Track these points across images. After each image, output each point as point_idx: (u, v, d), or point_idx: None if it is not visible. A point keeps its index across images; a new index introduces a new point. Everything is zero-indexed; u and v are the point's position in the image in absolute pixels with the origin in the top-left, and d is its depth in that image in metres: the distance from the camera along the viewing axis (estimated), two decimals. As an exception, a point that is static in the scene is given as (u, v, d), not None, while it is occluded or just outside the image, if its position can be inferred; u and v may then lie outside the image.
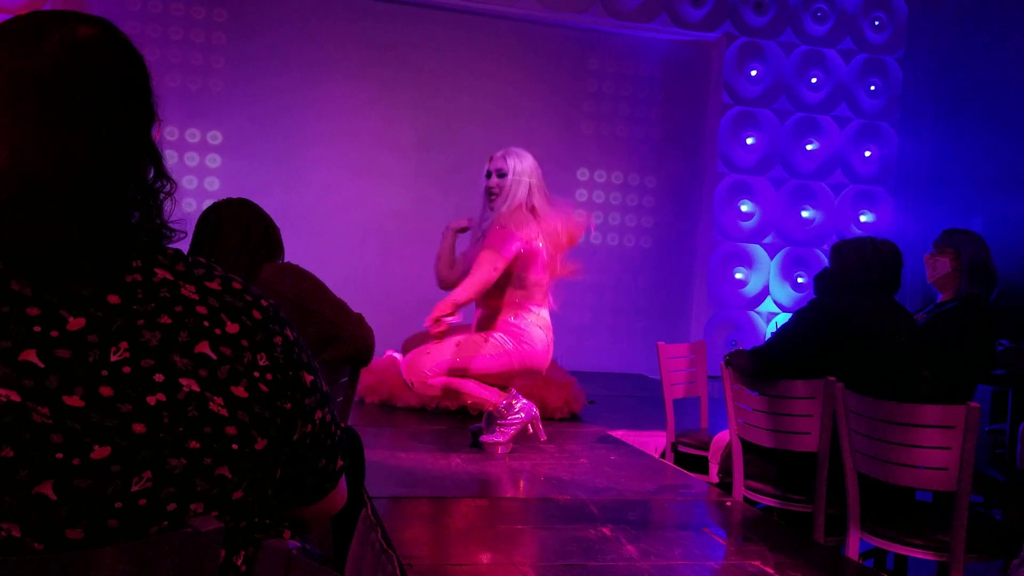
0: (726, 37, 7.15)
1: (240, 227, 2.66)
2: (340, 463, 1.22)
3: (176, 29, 6.43)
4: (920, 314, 3.99)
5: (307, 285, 2.73)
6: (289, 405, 1.10)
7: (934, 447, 2.64)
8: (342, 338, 2.72)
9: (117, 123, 1.04)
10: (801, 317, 3.33)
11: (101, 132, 1.02)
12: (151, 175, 1.07)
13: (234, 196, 2.82)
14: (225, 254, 2.60)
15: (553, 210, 4.08)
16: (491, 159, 4.10)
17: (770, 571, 2.60)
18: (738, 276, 7.22)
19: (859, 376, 3.05)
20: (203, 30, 6.50)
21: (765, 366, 3.28)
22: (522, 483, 3.55)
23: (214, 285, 1.09)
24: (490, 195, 4.06)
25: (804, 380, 3.13)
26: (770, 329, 7.09)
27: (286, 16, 6.65)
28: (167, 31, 6.39)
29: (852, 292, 3.28)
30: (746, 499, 3.35)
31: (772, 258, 7.26)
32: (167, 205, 1.08)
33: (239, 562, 1.08)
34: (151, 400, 0.99)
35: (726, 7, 7.11)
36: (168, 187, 1.08)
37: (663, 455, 4.31)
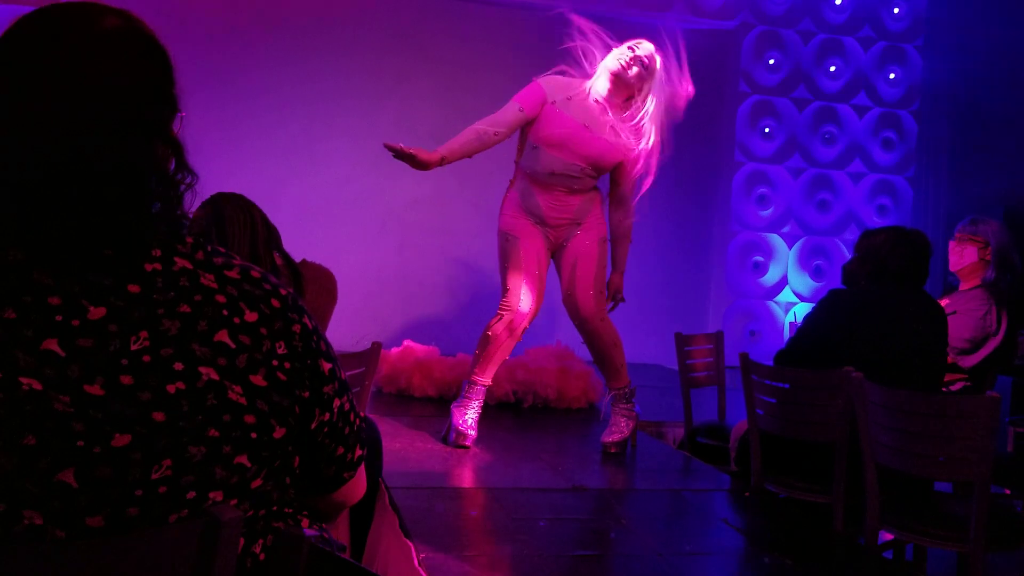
0: (743, 26, 7.10)
1: (252, 226, 2.64)
2: (359, 452, 1.22)
3: (195, 20, 6.44)
4: (943, 299, 3.96)
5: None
6: (307, 394, 1.10)
7: (953, 437, 2.62)
8: None
9: (139, 115, 1.04)
10: (817, 311, 3.32)
11: (123, 123, 1.02)
12: (172, 167, 1.08)
13: (245, 190, 2.79)
14: (236, 250, 2.59)
15: None
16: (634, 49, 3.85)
17: (789, 562, 2.59)
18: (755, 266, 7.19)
19: (879, 366, 3.04)
20: (222, 20, 6.52)
21: (788, 358, 3.28)
22: (539, 473, 3.56)
23: (233, 274, 1.09)
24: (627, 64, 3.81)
25: (823, 370, 3.11)
26: (788, 319, 7.06)
27: (304, 6, 6.65)
28: (185, 21, 6.41)
29: (876, 282, 3.26)
30: (765, 490, 3.34)
31: (790, 248, 7.22)
32: (188, 197, 1.09)
33: (258, 550, 1.08)
34: (171, 389, 0.99)
35: (744, -5, 7.06)
36: (189, 179, 1.09)
37: (681, 445, 4.30)
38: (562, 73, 3.96)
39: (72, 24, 1.03)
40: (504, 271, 3.97)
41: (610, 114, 3.86)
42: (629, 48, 3.84)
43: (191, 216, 2.45)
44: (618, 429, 3.95)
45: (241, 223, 2.59)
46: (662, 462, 3.94)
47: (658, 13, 7.03)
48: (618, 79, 3.82)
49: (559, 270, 4.05)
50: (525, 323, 3.95)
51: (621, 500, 3.16)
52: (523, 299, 3.90)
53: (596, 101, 3.86)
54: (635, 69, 3.81)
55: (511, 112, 3.84)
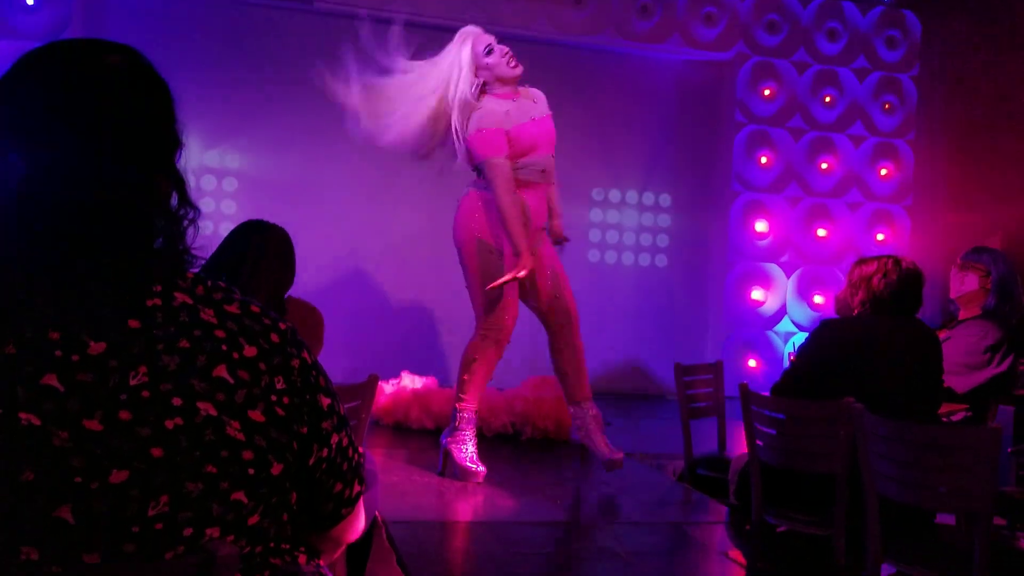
0: (739, 57, 7.16)
1: (287, 265, 2.66)
2: (357, 488, 1.21)
3: (196, 54, 6.48)
4: (940, 331, 3.96)
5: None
6: (305, 429, 1.10)
7: (954, 468, 2.61)
8: None
9: (143, 150, 1.04)
10: (810, 342, 3.31)
11: (127, 159, 1.03)
12: (175, 201, 1.08)
13: (253, 219, 2.80)
14: (264, 285, 2.58)
15: None
16: (478, 36, 3.99)
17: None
18: (755, 295, 7.19)
19: (873, 395, 3.03)
20: (222, 55, 6.56)
21: (786, 393, 3.27)
22: (538, 506, 3.53)
23: (233, 308, 1.09)
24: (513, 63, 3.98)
25: (822, 401, 3.10)
26: (787, 349, 7.05)
27: (303, 40, 6.69)
28: (186, 56, 6.45)
29: (870, 311, 3.26)
30: (765, 522, 3.32)
31: (789, 277, 7.23)
32: (190, 231, 1.09)
33: (255, 587, 1.07)
34: (169, 424, 0.99)
35: (739, 27, 7.12)
36: (192, 214, 1.09)
37: (681, 477, 4.27)
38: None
39: (76, 61, 1.04)
40: (485, 286, 3.83)
41: (522, 98, 4.01)
42: (492, 48, 3.96)
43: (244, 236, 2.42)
44: (608, 444, 3.94)
45: (278, 265, 2.61)
46: (662, 494, 3.91)
47: (655, 45, 7.09)
48: (517, 76, 3.97)
49: (537, 279, 3.98)
50: (508, 339, 3.95)
51: (621, 533, 3.14)
52: (508, 316, 3.88)
53: (513, 98, 3.98)
54: (511, 59, 3.96)
55: (504, 167, 3.83)
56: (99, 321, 1.00)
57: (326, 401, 1.13)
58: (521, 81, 4.03)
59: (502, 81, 3.95)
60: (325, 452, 1.13)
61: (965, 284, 3.95)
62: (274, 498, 1.07)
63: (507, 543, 2.98)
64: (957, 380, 3.76)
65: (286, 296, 2.76)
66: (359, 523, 1.26)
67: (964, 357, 3.77)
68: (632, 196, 7.40)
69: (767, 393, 3.38)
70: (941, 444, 2.63)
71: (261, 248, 2.61)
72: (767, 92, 7.19)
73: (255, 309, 1.11)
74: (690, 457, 4.13)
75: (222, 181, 6.53)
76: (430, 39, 6.80)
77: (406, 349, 6.59)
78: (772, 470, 3.28)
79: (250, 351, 1.06)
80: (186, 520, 0.99)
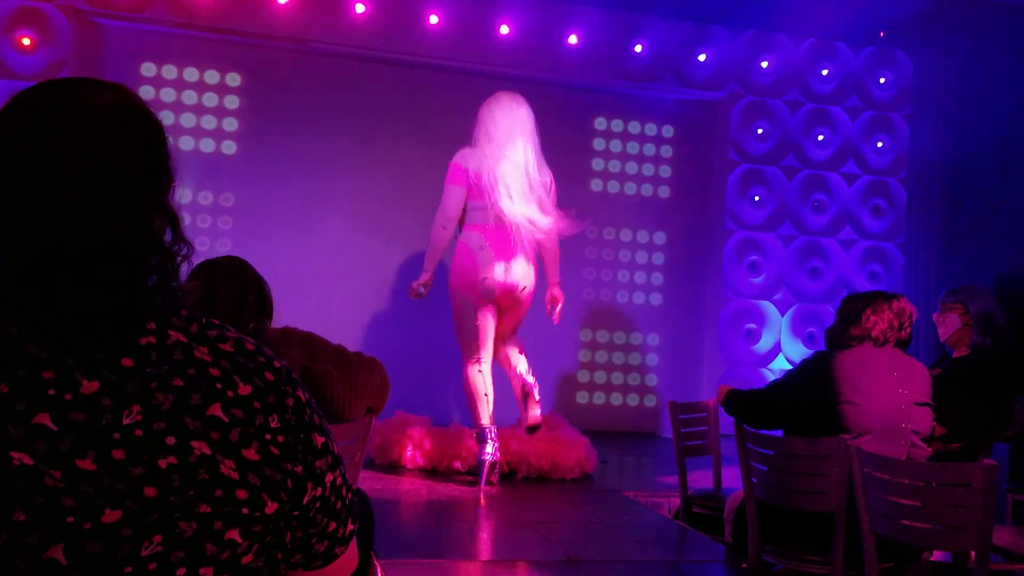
0: (731, 96, 7.22)
1: (235, 295, 2.57)
2: (351, 527, 1.20)
3: (190, 93, 6.53)
4: (934, 369, 3.96)
5: (316, 348, 2.72)
6: (300, 468, 1.09)
7: (950, 506, 2.60)
8: (354, 394, 2.68)
9: (136, 188, 1.05)
10: (803, 367, 3.32)
11: (120, 197, 1.03)
12: (168, 238, 1.08)
13: (240, 257, 2.73)
14: (220, 318, 2.52)
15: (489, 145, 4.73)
16: None
17: (788, 635, 2.55)
18: (749, 333, 7.19)
19: (864, 430, 3.02)
20: (217, 94, 6.61)
21: (758, 407, 3.26)
22: (534, 546, 3.51)
23: (227, 347, 1.09)
24: None
25: (818, 438, 3.09)
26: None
27: (298, 79, 6.75)
28: (181, 95, 6.50)
29: (861, 345, 3.26)
30: (762, 560, 3.30)
31: (783, 315, 7.24)
32: (184, 268, 1.09)
33: (248, 627, 1.06)
34: (162, 463, 0.98)
35: (731, 67, 7.19)
36: (185, 250, 1.09)
37: (677, 516, 4.25)
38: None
39: (69, 99, 1.04)
40: None
41: None
42: None
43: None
44: None
45: (232, 298, 2.54)
46: (658, 532, 3.89)
47: (648, 84, 7.15)
48: None
49: None
50: None
51: (616, 572, 3.11)
52: None
53: None
54: None
55: None
56: (92, 360, 1.00)
57: (320, 439, 1.13)
58: None
59: None
60: (319, 491, 1.12)
61: (948, 326, 3.98)
62: (268, 537, 1.06)
63: (502, 583, 2.96)
64: (956, 426, 3.75)
65: (269, 327, 2.70)
66: (352, 562, 1.25)
67: (961, 401, 3.76)
68: (626, 234, 7.43)
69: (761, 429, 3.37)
70: (936, 481, 2.62)
71: (211, 285, 2.54)
72: (760, 131, 7.25)
73: (249, 347, 1.11)
74: (686, 495, 4.11)
75: (217, 220, 6.55)
76: (425, 78, 6.89)
77: (400, 386, 6.56)
78: (768, 508, 3.27)
79: (244, 389, 1.06)
80: (180, 560, 0.98)
